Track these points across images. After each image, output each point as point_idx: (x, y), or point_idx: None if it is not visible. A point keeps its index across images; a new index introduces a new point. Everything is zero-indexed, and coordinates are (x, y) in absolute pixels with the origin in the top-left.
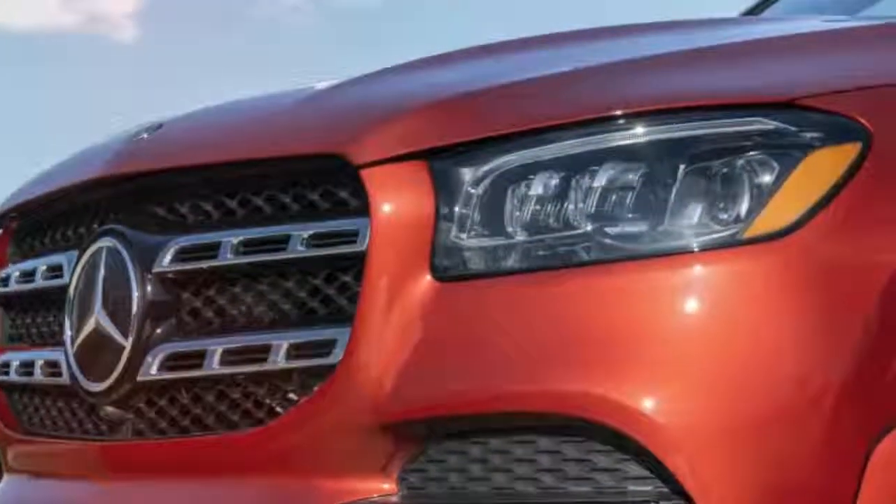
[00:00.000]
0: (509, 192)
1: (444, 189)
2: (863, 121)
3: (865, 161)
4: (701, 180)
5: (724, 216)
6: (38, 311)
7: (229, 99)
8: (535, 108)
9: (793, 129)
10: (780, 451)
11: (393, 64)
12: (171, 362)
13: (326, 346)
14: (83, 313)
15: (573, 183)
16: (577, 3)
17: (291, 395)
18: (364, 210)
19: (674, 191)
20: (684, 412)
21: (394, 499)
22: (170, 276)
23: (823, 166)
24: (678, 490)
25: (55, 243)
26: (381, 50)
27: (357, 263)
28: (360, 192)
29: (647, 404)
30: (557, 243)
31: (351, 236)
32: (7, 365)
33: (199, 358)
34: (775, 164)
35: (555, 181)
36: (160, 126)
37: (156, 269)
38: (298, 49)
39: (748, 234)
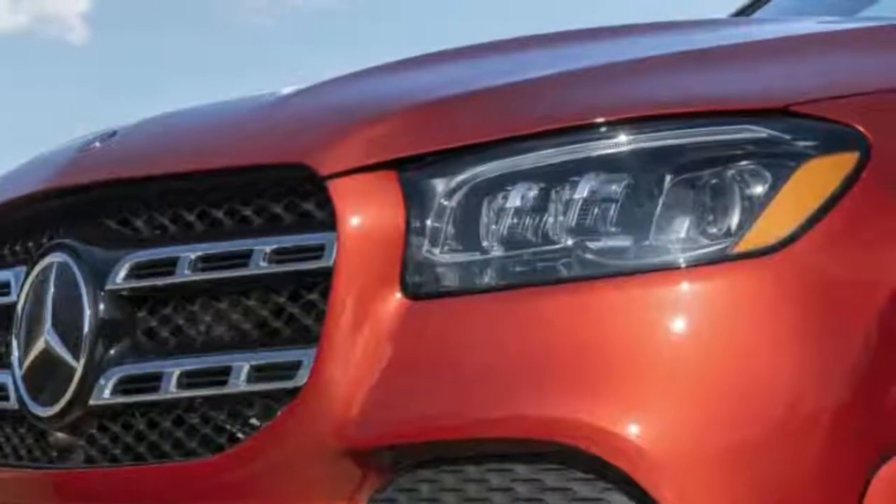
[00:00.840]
0: (485, 204)
1: (416, 201)
2: (861, 128)
3: (864, 171)
4: (688, 192)
5: (714, 230)
6: None
7: (188, 105)
8: (513, 114)
9: (786, 137)
10: (773, 479)
11: (360, 68)
12: (125, 385)
13: (291, 368)
14: (32, 333)
15: (553, 195)
16: (559, 4)
17: (253, 420)
18: (330, 223)
19: (660, 203)
20: (671, 438)
21: None
22: (124, 293)
23: (819, 177)
24: None
25: (2, 259)
26: (346, 52)
27: (323, 280)
28: (326, 204)
29: (632, 430)
30: (536, 259)
31: (316, 251)
32: None
33: (155, 381)
34: (768, 175)
35: (533, 193)
36: (114, 134)
37: (109, 287)
38: (261, 51)
39: (739, 249)
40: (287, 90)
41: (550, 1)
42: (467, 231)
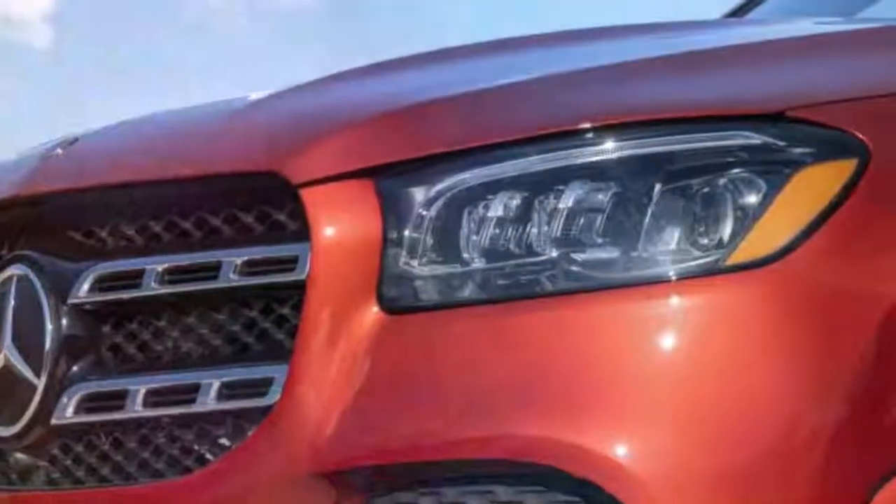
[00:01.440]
0: (465, 214)
1: (393, 211)
2: (859, 134)
3: (862, 179)
4: (679, 201)
5: (705, 241)
6: None
7: (156, 110)
8: (494, 120)
9: (781, 143)
10: (767, 502)
11: (337, 71)
12: (88, 404)
13: (262, 386)
14: None
15: (536, 204)
16: (547, 4)
17: (223, 441)
18: (304, 234)
19: (649, 213)
20: (659, 460)
21: None
22: (87, 307)
23: (815, 185)
24: None
25: None
26: (323, 54)
27: (296, 293)
28: (299, 214)
29: (618, 450)
30: (519, 271)
31: (289, 263)
32: None
33: (120, 399)
34: (762, 183)
35: (516, 202)
36: (76, 140)
37: (72, 300)
38: (235, 53)
39: (732, 261)
40: (258, 95)
41: (544, 1)
42: (447, 242)
